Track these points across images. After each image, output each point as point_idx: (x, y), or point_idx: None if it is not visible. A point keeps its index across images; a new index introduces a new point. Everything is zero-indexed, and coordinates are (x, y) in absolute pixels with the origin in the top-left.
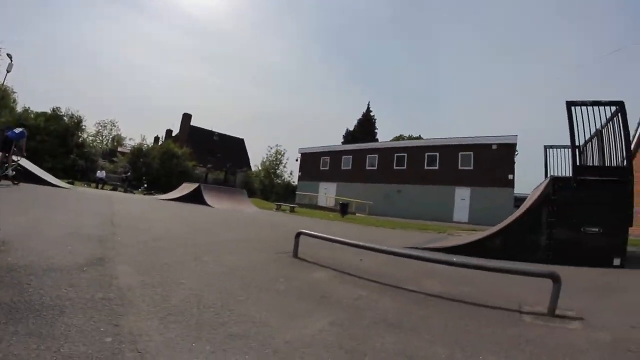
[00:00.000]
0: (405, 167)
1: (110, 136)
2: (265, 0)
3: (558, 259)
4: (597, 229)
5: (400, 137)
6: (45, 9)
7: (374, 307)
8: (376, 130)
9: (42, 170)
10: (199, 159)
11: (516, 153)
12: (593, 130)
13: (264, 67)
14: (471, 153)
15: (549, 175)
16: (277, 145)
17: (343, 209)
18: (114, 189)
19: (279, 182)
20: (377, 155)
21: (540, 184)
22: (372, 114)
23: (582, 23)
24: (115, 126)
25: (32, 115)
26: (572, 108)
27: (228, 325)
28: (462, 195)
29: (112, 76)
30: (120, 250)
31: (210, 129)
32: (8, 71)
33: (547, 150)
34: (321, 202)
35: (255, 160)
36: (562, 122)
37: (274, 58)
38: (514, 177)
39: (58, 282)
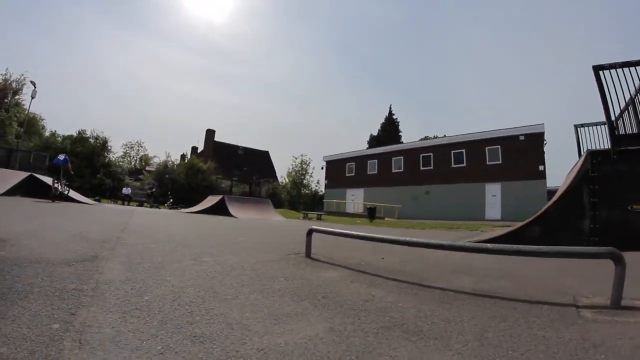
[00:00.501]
0: (432, 167)
1: (138, 156)
2: (277, 14)
3: (604, 244)
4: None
5: (425, 139)
6: (69, 44)
7: (387, 309)
8: (400, 134)
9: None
10: (225, 173)
11: (545, 142)
12: (627, 95)
13: (282, 82)
14: (498, 146)
15: (585, 151)
16: (302, 155)
17: (371, 214)
18: (140, 205)
19: (307, 192)
20: (402, 157)
21: (577, 162)
22: (394, 117)
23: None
24: (142, 147)
25: (59, 139)
26: (601, 73)
27: (196, 326)
28: (493, 192)
29: (135, 99)
30: (118, 251)
31: (235, 144)
32: (32, 97)
33: (578, 129)
34: (349, 208)
35: (281, 171)
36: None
37: (292, 72)
38: (545, 168)
39: (38, 272)
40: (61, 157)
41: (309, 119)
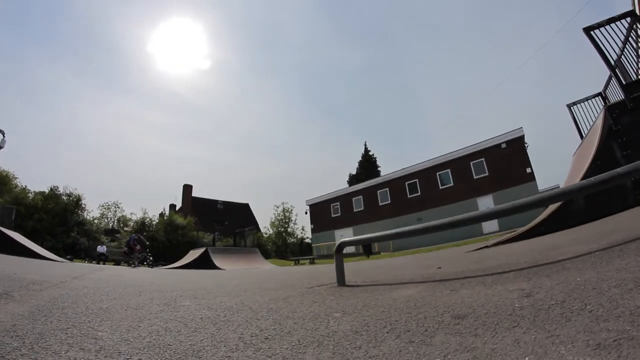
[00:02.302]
0: (419, 193)
1: (115, 217)
2: (245, 71)
3: None
4: None
5: None
6: (37, 102)
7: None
8: (379, 169)
9: (36, 245)
10: (206, 228)
11: (526, 145)
12: (616, 48)
13: (255, 134)
14: (482, 159)
15: (602, 107)
16: (283, 204)
17: (367, 250)
18: (117, 264)
19: (293, 240)
20: (387, 189)
21: (593, 124)
22: (371, 153)
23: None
24: (119, 207)
25: (30, 195)
26: (592, 33)
27: None
28: (486, 204)
29: (109, 158)
30: (44, 292)
31: (213, 199)
32: (1, 147)
33: (572, 108)
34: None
35: (264, 222)
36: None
37: (264, 123)
38: (532, 171)
39: None
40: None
41: (286, 168)
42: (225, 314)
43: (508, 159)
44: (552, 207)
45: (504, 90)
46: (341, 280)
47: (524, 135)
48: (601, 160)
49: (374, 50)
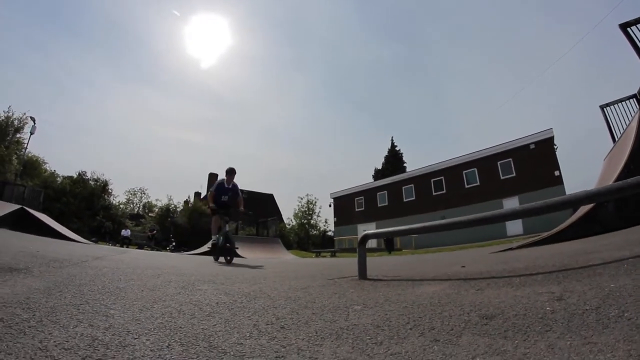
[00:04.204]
0: (445, 191)
1: (141, 203)
2: (274, 62)
3: None
4: None
5: None
6: (67, 92)
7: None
8: (405, 165)
9: (62, 227)
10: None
11: (555, 147)
12: None
13: (282, 127)
14: (510, 159)
15: (638, 109)
16: (307, 195)
17: (389, 245)
18: (140, 248)
19: (315, 232)
20: (412, 185)
21: (627, 126)
22: (397, 148)
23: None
24: (145, 194)
25: (58, 179)
26: (629, 29)
27: None
28: (512, 206)
29: (137, 147)
30: (63, 270)
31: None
32: (32, 133)
33: (605, 109)
34: None
35: (287, 213)
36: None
37: (290, 116)
38: (561, 174)
39: None
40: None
41: (312, 161)
42: (242, 300)
43: (536, 161)
44: (580, 212)
45: (534, 92)
46: (363, 273)
47: (553, 137)
48: (635, 164)
49: (403, 48)
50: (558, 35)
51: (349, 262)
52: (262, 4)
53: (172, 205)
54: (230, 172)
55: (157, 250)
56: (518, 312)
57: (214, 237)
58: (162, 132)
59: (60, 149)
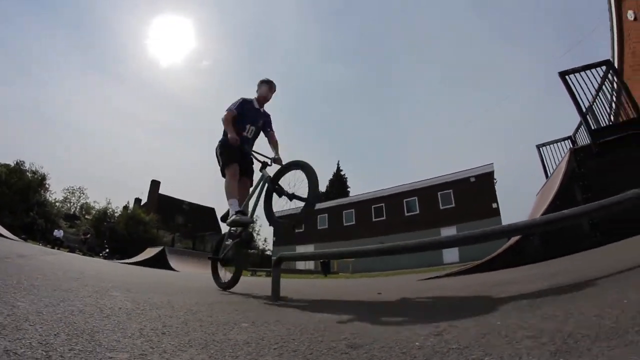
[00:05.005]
0: (385, 218)
1: (79, 203)
2: (230, 73)
3: (610, 238)
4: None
5: None
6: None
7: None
8: (348, 189)
9: None
10: (168, 228)
11: (495, 181)
12: (589, 95)
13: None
14: (450, 190)
15: (567, 150)
16: None
17: (325, 268)
18: (72, 251)
19: (254, 251)
20: (353, 210)
21: (558, 165)
22: (342, 172)
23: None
24: (84, 194)
25: None
26: (567, 77)
27: None
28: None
29: (83, 140)
30: None
31: (180, 199)
32: None
33: (540, 149)
34: (299, 265)
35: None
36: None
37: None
38: (498, 206)
39: None
40: None
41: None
42: (145, 308)
43: (475, 193)
44: (508, 243)
45: (480, 127)
46: (276, 294)
47: (493, 171)
48: (561, 200)
49: (358, 70)
50: (512, 72)
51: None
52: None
53: (110, 210)
54: (270, 87)
55: (89, 255)
56: (385, 345)
57: (234, 216)
58: (112, 128)
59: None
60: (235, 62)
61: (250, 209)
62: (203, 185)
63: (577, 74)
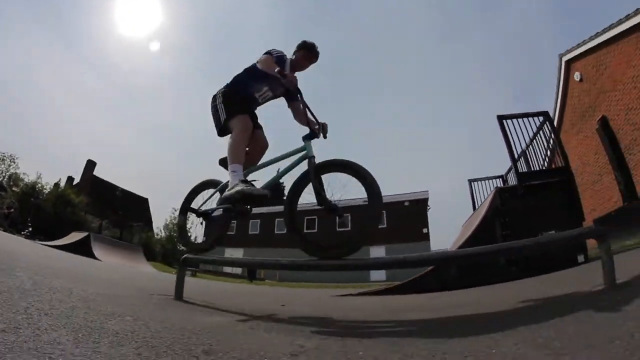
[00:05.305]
0: (316, 230)
1: (7, 172)
2: (186, 60)
3: (524, 271)
4: (553, 232)
5: None
6: None
7: None
8: (284, 198)
9: None
10: (98, 213)
11: (429, 207)
12: (523, 141)
13: (175, 131)
14: (384, 211)
15: (494, 188)
16: None
17: (251, 274)
18: None
19: (183, 248)
20: None
21: (484, 201)
22: (281, 180)
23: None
24: (14, 162)
25: None
26: (504, 122)
27: None
28: (377, 254)
29: (24, 104)
30: None
31: (114, 184)
32: None
33: (472, 183)
34: (227, 269)
35: (159, 223)
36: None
37: (185, 123)
38: (428, 231)
39: None
40: None
41: (198, 172)
42: (42, 290)
43: (408, 217)
44: (429, 268)
45: (425, 154)
46: (179, 294)
47: (428, 198)
48: (481, 235)
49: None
50: (459, 112)
51: (197, 284)
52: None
53: (40, 185)
54: (309, 56)
55: (10, 232)
56: (238, 356)
57: (240, 186)
58: (59, 102)
59: None
60: (189, 50)
61: (267, 181)
62: (137, 172)
63: (515, 120)
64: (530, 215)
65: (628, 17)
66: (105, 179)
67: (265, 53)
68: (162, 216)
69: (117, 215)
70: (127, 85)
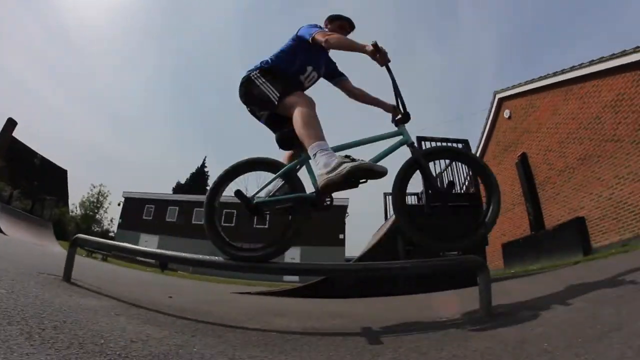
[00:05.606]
0: (233, 224)
1: None
2: (140, 24)
3: (424, 288)
4: (456, 253)
5: None
6: None
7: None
8: (207, 187)
9: None
10: (11, 180)
11: (347, 215)
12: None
13: (114, 98)
14: None
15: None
16: (101, 185)
17: (162, 263)
18: None
19: (97, 229)
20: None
21: (391, 216)
22: (206, 169)
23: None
24: None
25: None
26: (423, 143)
27: None
28: (292, 255)
29: None
30: None
31: (34, 149)
32: None
33: (387, 196)
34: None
35: (75, 198)
36: None
37: (126, 89)
38: (345, 237)
39: None
40: None
41: (128, 148)
42: None
43: (326, 222)
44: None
45: None
46: (68, 275)
47: (347, 206)
48: (384, 247)
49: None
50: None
51: (99, 267)
52: None
53: None
54: (350, 26)
55: None
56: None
57: (351, 162)
58: None
59: None
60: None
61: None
62: (60, 139)
63: (434, 143)
64: (435, 234)
65: (563, 72)
66: (25, 142)
67: (313, 26)
68: (80, 192)
69: (32, 186)
70: (70, 40)
